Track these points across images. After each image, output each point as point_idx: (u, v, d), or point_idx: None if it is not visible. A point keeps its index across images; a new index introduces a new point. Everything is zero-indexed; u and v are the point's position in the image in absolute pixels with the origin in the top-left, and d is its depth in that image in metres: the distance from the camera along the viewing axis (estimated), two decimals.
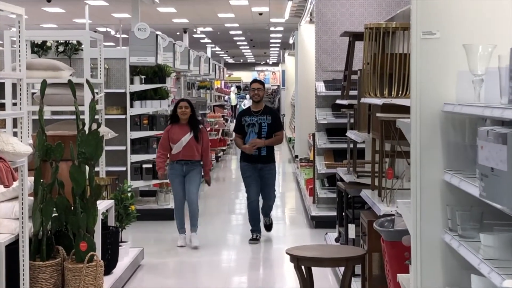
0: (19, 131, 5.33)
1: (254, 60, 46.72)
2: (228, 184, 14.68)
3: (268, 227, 8.92)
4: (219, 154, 18.87)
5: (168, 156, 8.40)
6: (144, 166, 9.99)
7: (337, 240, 7.30)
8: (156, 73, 10.06)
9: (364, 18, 9.44)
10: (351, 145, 7.29)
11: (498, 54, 2.83)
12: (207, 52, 28.35)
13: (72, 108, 6.26)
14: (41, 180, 5.62)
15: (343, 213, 6.73)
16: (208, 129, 15.99)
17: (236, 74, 44.71)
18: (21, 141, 5.19)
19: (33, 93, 7.61)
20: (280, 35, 28.29)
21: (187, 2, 18.46)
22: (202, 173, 8.55)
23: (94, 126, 6.11)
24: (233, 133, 9.35)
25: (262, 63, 47.54)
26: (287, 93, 24.26)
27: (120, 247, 6.86)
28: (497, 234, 2.92)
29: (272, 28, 24.90)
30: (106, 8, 18.77)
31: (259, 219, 8.65)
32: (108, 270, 6.37)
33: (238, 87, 39.83)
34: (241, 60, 47.43)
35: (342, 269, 5.24)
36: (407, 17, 4.89)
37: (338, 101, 8.26)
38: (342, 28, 9.38)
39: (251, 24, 23.61)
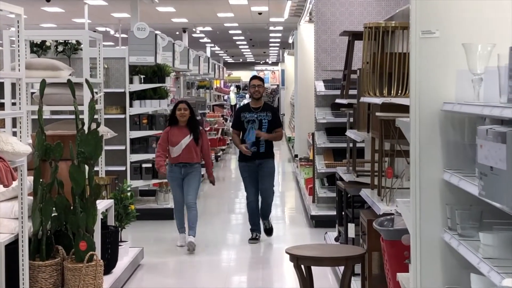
0: (18, 131, 5.33)
1: (253, 60, 46.71)
2: (228, 184, 14.68)
3: (268, 231, 8.75)
4: (219, 154, 18.88)
5: (167, 156, 8.34)
6: (144, 165, 9.99)
7: (336, 239, 7.30)
8: (156, 73, 10.06)
9: (364, 17, 9.45)
10: (351, 145, 7.29)
11: (498, 53, 2.83)
12: (206, 52, 28.35)
13: (72, 108, 6.26)
14: (41, 180, 5.62)
15: (343, 213, 6.73)
16: (207, 128, 15.99)
17: (236, 74, 44.68)
18: (20, 140, 5.19)
19: (32, 93, 7.61)
20: (279, 35, 28.30)
21: (187, 2, 18.46)
22: (203, 174, 8.49)
23: (94, 125, 6.10)
24: (231, 129, 9.24)
25: (261, 62, 47.52)
26: (286, 92, 24.26)
27: (119, 247, 6.86)
28: (497, 233, 2.92)
29: (271, 28, 24.90)
30: (105, 8, 18.77)
31: (259, 218, 8.63)
32: (107, 270, 6.36)
33: (238, 87, 39.79)
34: (241, 60, 47.43)
35: (341, 268, 5.24)
36: (407, 16, 4.89)
37: (338, 101, 8.26)
38: (341, 27, 9.38)
39: (250, 23, 23.61)
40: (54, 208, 5.72)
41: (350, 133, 7.03)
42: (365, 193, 5.62)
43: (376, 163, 5.69)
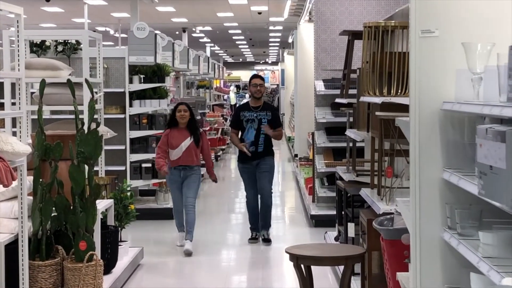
0: (18, 131, 5.33)
1: (253, 59, 46.71)
2: (228, 183, 14.69)
3: (266, 240, 8.44)
4: (219, 154, 18.88)
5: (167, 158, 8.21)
6: (144, 165, 9.99)
7: (336, 239, 7.30)
8: (155, 73, 10.06)
9: (363, 16, 9.45)
10: (351, 144, 7.29)
11: (497, 52, 2.83)
12: (206, 51, 28.34)
13: (71, 108, 6.26)
14: (40, 180, 5.62)
15: (343, 212, 6.73)
16: (207, 128, 15.99)
17: (236, 73, 44.70)
18: (20, 140, 5.19)
19: (32, 93, 7.61)
20: (279, 34, 28.29)
21: (186, 2, 18.46)
22: (203, 174, 8.44)
23: (93, 125, 6.10)
24: (229, 128, 9.14)
25: (261, 62, 47.52)
26: (286, 92, 24.26)
27: (119, 247, 6.86)
28: (496, 232, 2.92)
29: (271, 27, 24.90)
30: (105, 8, 18.77)
31: (258, 217, 8.59)
32: (107, 270, 6.36)
33: (238, 86, 39.82)
34: (240, 59, 47.43)
35: (341, 268, 5.24)
36: (406, 16, 4.89)
37: (337, 100, 8.26)
38: (341, 26, 9.38)
39: (250, 23, 23.61)
40: (54, 208, 5.72)
41: (350, 133, 7.02)
42: (365, 192, 5.62)
43: (376, 162, 5.69)
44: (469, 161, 3.22)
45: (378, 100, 5.24)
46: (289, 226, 10.14)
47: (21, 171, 5.25)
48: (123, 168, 9.89)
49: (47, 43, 9.89)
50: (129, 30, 10.48)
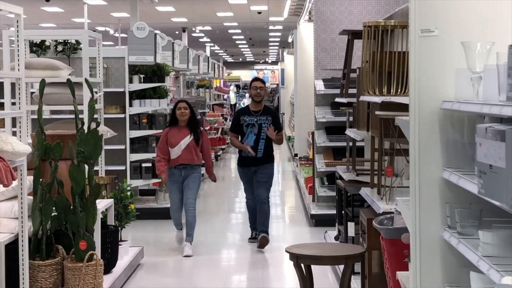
0: (18, 131, 5.33)
1: (253, 59, 46.71)
2: (228, 183, 14.69)
3: (262, 245, 8.11)
4: (219, 153, 18.89)
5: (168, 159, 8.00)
6: (144, 165, 9.99)
7: (336, 238, 7.30)
8: (155, 72, 10.06)
9: (363, 16, 9.45)
10: (350, 143, 7.30)
11: (497, 51, 2.83)
12: (206, 51, 28.35)
13: (71, 107, 6.26)
14: (40, 180, 5.63)
15: (343, 211, 6.73)
16: (207, 128, 15.99)
17: (235, 73, 44.73)
18: (20, 140, 5.19)
19: (32, 93, 7.61)
20: (279, 34, 28.30)
21: (186, 1, 18.46)
22: (203, 173, 8.40)
23: (93, 125, 6.10)
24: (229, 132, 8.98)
25: (261, 61, 47.53)
26: (286, 91, 24.26)
27: (119, 246, 6.86)
28: (496, 231, 2.92)
29: (271, 27, 24.91)
30: (105, 8, 18.77)
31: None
32: (107, 269, 6.37)
33: (237, 86, 39.83)
34: (240, 59, 47.43)
35: (341, 267, 5.24)
36: (406, 15, 4.89)
37: (337, 100, 8.25)
38: (341, 26, 9.39)
39: (250, 22, 23.62)
40: (54, 208, 5.72)
41: (349, 132, 7.03)
42: (364, 192, 5.62)
43: (375, 162, 5.70)
44: (469, 160, 3.22)
45: (378, 99, 5.24)
46: (289, 226, 10.15)
47: (21, 171, 5.25)
48: (123, 167, 9.89)
49: (47, 43, 9.89)
50: (129, 30, 10.48)
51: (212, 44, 33.13)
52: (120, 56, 9.96)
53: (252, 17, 21.79)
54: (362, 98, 5.92)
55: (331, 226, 8.28)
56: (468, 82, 3.13)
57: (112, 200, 7.04)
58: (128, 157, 9.92)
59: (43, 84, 5.88)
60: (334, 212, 7.86)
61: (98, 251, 6.00)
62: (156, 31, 10.32)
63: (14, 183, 4.99)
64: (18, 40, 5.25)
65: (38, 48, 9.84)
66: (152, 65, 9.96)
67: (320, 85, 9.66)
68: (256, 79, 8.64)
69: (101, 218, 6.41)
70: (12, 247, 5.22)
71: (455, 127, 3.43)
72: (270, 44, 34.21)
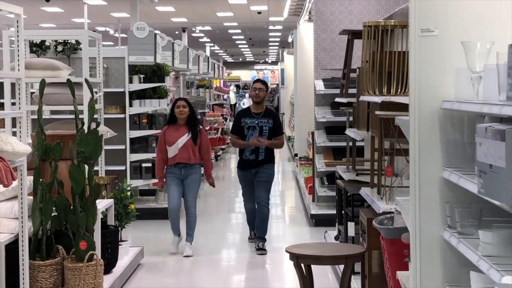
0: (18, 131, 5.33)
1: (253, 59, 46.70)
2: (228, 183, 14.68)
3: (260, 249, 8.02)
4: (219, 153, 18.89)
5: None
6: (144, 165, 9.99)
7: (336, 238, 7.30)
8: (155, 72, 10.06)
9: (363, 16, 9.45)
10: (350, 143, 7.29)
11: (496, 51, 2.83)
12: (206, 51, 28.35)
13: (71, 108, 6.26)
14: (41, 180, 5.63)
15: (343, 211, 6.73)
16: (207, 128, 15.99)
17: (235, 73, 44.72)
18: (20, 140, 5.19)
19: (32, 93, 7.61)
20: (279, 34, 28.29)
21: (186, 1, 18.46)
22: (202, 173, 8.33)
23: (93, 125, 6.10)
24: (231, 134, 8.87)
25: (261, 61, 47.51)
26: (286, 91, 24.25)
27: (119, 246, 6.87)
28: (496, 230, 2.92)
29: (271, 27, 24.91)
30: (105, 8, 18.77)
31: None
32: (108, 269, 6.37)
33: (237, 86, 39.83)
34: (240, 59, 47.42)
35: (341, 267, 5.24)
36: (406, 15, 4.89)
37: (337, 99, 8.25)
38: (340, 26, 9.39)
39: (250, 23, 23.62)
40: (54, 208, 5.72)
41: (349, 132, 7.03)
42: (364, 191, 5.62)
43: (375, 161, 5.70)
44: (468, 160, 3.22)
45: (378, 99, 5.24)
46: (289, 226, 10.15)
47: (21, 171, 5.25)
48: (123, 167, 9.89)
49: (47, 43, 9.89)
50: (129, 30, 10.48)
51: (212, 44, 33.12)
52: (120, 56, 9.96)
53: (252, 17, 21.79)
54: (362, 98, 5.93)
55: (331, 226, 8.29)
56: (468, 81, 3.13)
57: (112, 200, 7.04)
58: (128, 157, 9.92)
59: (43, 84, 5.88)
60: (334, 212, 7.86)
61: (98, 251, 6.00)
62: (156, 31, 10.32)
63: (14, 183, 4.99)
64: (18, 40, 5.25)
65: (38, 48, 9.84)
66: (152, 65, 9.96)
67: (320, 85, 9.66)
68: (257, 80, 8.58)
69: (101, 218, 6.41)
70: (12, 247, 5.22)
71: (455, 127, 3.43)
72: (270, 44, 34.20)
